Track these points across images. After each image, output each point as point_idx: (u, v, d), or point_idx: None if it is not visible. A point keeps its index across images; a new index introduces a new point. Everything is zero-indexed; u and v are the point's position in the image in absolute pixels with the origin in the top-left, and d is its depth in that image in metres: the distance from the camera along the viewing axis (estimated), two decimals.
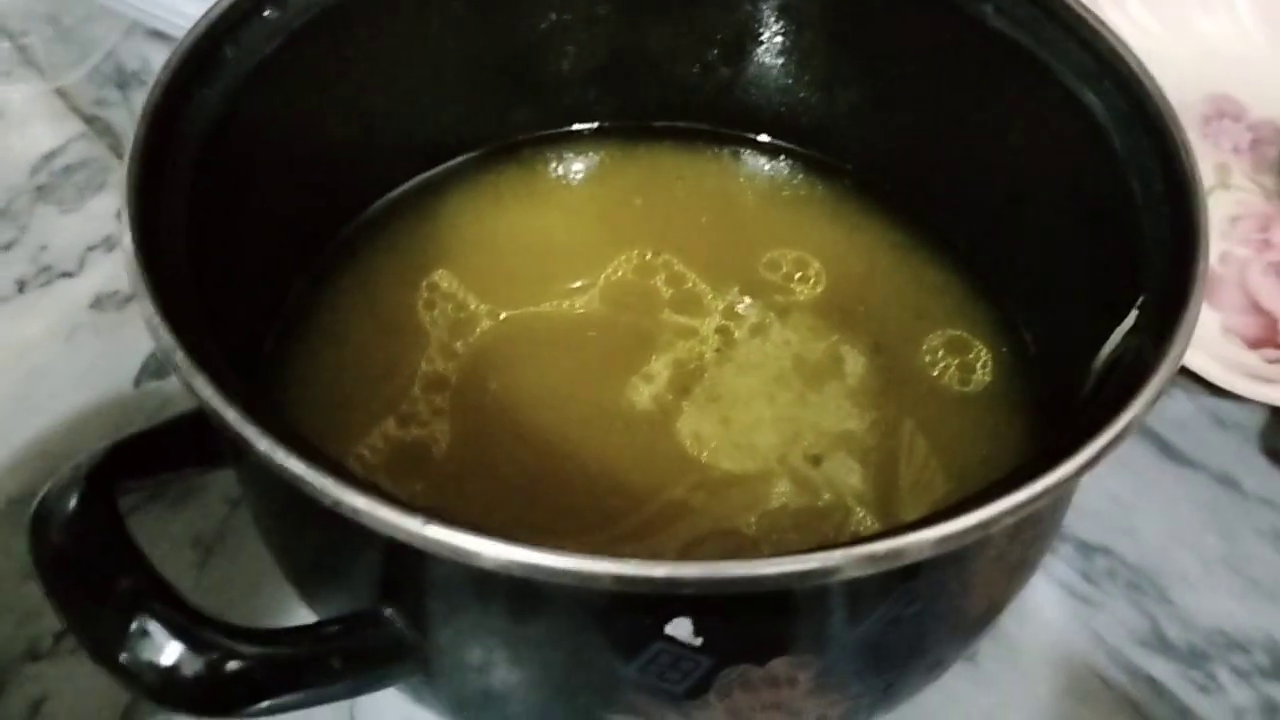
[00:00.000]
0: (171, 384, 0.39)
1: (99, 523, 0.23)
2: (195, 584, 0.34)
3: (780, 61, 0.38)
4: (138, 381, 0.39)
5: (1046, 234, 0.34)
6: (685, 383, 0.35)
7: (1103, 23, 0.31)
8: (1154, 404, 0.23)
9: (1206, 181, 0.30)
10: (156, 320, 0.22)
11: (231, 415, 0.21)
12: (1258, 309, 0.43)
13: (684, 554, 0.31)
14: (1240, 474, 0.39)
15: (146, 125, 0.26)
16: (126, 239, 0.23)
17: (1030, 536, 0.27)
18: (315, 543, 0.25)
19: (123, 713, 0.32)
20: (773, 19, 0.37)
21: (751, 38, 0.38)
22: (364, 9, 0.33)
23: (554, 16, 0.37)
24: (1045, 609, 0.36)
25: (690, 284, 0.37)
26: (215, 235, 0.28)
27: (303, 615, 0.32)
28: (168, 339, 0.22)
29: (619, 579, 0.19)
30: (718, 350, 0.36)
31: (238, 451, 0.25)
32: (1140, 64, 0.30)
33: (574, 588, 0.20)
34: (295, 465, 0.20)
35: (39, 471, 0.36)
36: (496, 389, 0.35)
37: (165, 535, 0.35)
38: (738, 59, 0.38)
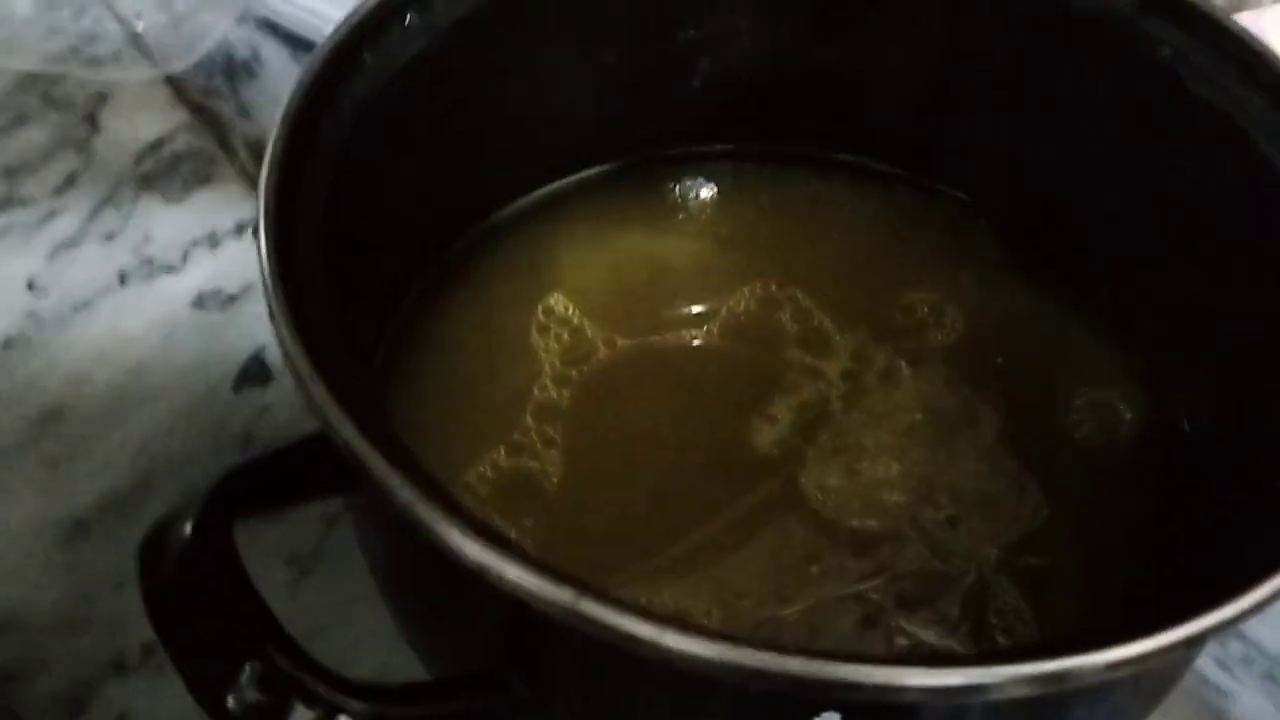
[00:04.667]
0: (272, 391, 0.38)
1: (214, 558, 0.22)
2: (286, 605, 0.33)
3: (932, 95, 0.36)
4: (237, 386, 0.38)
5: (1215, 302, 0.31)
6: (810, 429, 0.33)
7: None
8: None
9: None
10: (302, 362, 0.20)
11: (395, 482, 0.19)
12: None
13: (811, 618, 0.29)
14: None
15: (286, 131, 0.24)
16: (265, 268, 0.22)
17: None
18: (439, 597, 0.23)
19: None
20: (932, 53, 0.35)
21: (908, 70, 0.35)
22: (504, 13, 0.31)
23: (693, 31, 0.35)
24: (1176, 697, 0.34)
25: (817, 322, 0.35)
26: (344, 246, 0.26)
27: (398, 649, 0.31)
28: (320, 391, 0.20)
29: (792, 680, 0.17)
30: (844, 396, 0.34)
31: (372, 498, 0.24)
32: None
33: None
34: (455, 536, 0.19)
35: (134, 474, 0.35)
36: (611, 421, 0.33)
37: (258, 551, 0.34)
38: (885, 89, 0.36)
